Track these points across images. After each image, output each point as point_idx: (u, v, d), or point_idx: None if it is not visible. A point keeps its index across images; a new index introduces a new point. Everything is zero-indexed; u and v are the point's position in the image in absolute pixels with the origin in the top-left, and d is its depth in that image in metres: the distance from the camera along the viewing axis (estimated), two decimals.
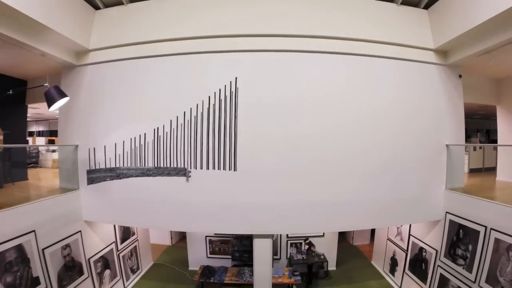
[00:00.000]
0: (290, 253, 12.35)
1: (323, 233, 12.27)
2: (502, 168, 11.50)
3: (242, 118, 7.87)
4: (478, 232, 7.27)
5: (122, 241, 10.55)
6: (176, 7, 8.14)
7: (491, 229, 6.94)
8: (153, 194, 8.15)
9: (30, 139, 20.47)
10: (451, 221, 8.21)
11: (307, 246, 11.41)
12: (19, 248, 6.43)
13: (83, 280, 8.33)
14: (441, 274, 8.43)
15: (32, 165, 15.69)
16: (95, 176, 8.52)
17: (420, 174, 8.42)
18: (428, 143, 8.49)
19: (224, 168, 7.91)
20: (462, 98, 8.93)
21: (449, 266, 8.14)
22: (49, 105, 6.28)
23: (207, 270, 10.96)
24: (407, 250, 10.08)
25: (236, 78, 7.85)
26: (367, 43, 8.09)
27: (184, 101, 7.98)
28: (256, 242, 8.32)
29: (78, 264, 8.18)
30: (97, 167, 8.50)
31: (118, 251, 10.15)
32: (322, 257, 11.89)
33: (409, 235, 10.03)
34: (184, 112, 7.95)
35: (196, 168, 7.98)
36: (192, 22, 8.01)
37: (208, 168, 7.95)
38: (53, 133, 22.73)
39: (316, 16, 7.96)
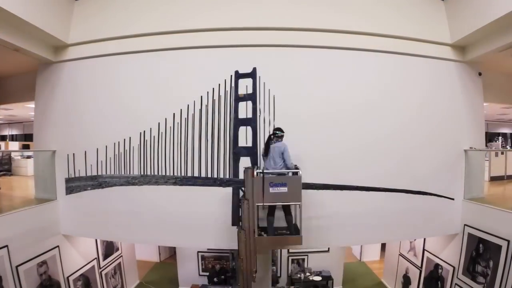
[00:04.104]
0: (291, 270, 12.32)
1: (328, 248, 12.24)
2: None
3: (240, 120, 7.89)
4: (499, 247, 7.27)
5: (105, 257, 10.54)
6: None
7: None
8: (139, 205, 8.14)
9: (2, 143, 20.42)
10: (470, 235, 8.22)
11: None
12: None
13: None
14: None
15: (4, 172, 15.63)
16: (75, 185, 8.50)
17: (435, 183, 8.41)
18: (444, 148, 8.49)
19: (218, 176, 7.91)
20: (482, 98, 8.97)
21: (467, 285, 8.15)
22: None
23: None
24: (421, 266, 10.08)
25: (231, 76, 7.87)
26: (375, 37, 8.14)
27: (173, 101, 8.02)
28: None
29: (55, 283, 8.14)
30: (77, 175, 8.49)
31: (100, 268, 10.13)
32: None
33: (424, 250, 10.05)
34: (174, 113, 7.96)
35: (187, 176, 7.97)
36: (185, 14, 8.05)
37: (200, 175, 7.95)
38: (28, 137, 22.62)
39: (317, 9, 8.01)
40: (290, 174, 7.09)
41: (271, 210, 7.22)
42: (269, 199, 6.85)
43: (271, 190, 6.83)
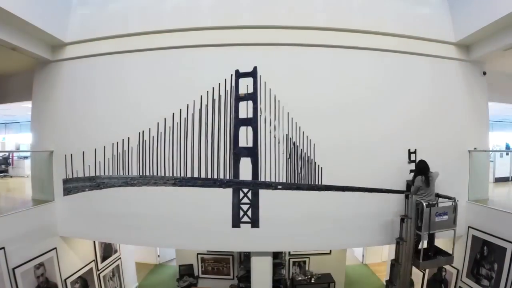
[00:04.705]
0: (293, 273, 12.31)
1: (330, 251, 12.24)
2: None
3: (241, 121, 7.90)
4: (504, 249, 7.27)
5: (103, 259, 10.50)
6: None
7: None
8: (138, 206, 8.13)
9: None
10: (474, 237, 8.21)
11: None
12: None
13: None
14: None
15: (4, 174, 15.63)
16: (72, 186, 8.49)
17: (439, 184, 8.30)
18: (448, 148, 8.47)
19: (218, 176, 7.90)
20: (486, 98, 8.94)
21: None
22: None
23: None
24: (425, 269, 10.02)
25: (231, 75, 7.86)
26: (378, 36, 8.10)
27: (173, 101, 7.99)
28: (254, 261, 8.30)
29: (53, 286, 8.12)
30: (75, 175, 8.47)
31: (98, 270, 10.10)
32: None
33: None
34: (173, 113, 7.95)
35: (186, 177, 7.97)
36: (184, 13, 8.04)
37: (200, 176, 7.94)
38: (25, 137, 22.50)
39: (318, 7, 8.02)
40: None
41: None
42: (433, 227, 7.49)
43: (437, 219, 7.49)
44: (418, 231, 7.64)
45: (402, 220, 7.93)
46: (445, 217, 7.54)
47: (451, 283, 8.78)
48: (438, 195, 7.93)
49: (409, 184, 7.96)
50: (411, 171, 8.16)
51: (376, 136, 8.03)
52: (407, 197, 7.81)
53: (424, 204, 7.36)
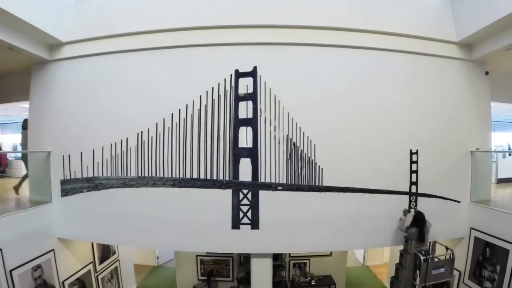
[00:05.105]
0: (293, 275, 12.31)
1: (331, 252, 12.23)
2: None
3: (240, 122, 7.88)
4: (507, 251, 7.26)
5: (101, 261, 10.50)
6: None
7: None
8: (137, 207, 8.11)
9: None
10: (476, 238, 8.20)
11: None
12: None
13: None
14: None
15: (1, 175, 15.60)
16: (70, 187, 8.48)
17: (441, 185, 8.39)
18: (450, 149, 8.47)
19: (218, 177, 7.89)
20: (489, 98, 8.94)
21: None
22: None
23: None
24: None
25: (231, 75, 7.84)
26: (376, 35, 8.09)
27: (172, 101, 7.97)
28: (254, 263, 8.30)
29: None
30: (73, 176, 8.46)
31: (96, 272, 10.10)
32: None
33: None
34: (172, 113, 7.94)
35: (185, 178, 7.96)
36: (184, 12, 8.01)
37: (199, 177, 7.93)
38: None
39: (319, 6, 7.98)
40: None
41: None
42: (429, 279, 7.63)
43: (434, 272, 7.67)
44: (414, 282, 7.85)
45: (406, 241, 7.94)
46: (442, 270, 7.76)
47: (453, 285, 8.76)
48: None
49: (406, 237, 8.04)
50: (412, 172, 8.17)
51: (378, 136, 8.03)
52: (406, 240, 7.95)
53: (422, 259, 7.49)
